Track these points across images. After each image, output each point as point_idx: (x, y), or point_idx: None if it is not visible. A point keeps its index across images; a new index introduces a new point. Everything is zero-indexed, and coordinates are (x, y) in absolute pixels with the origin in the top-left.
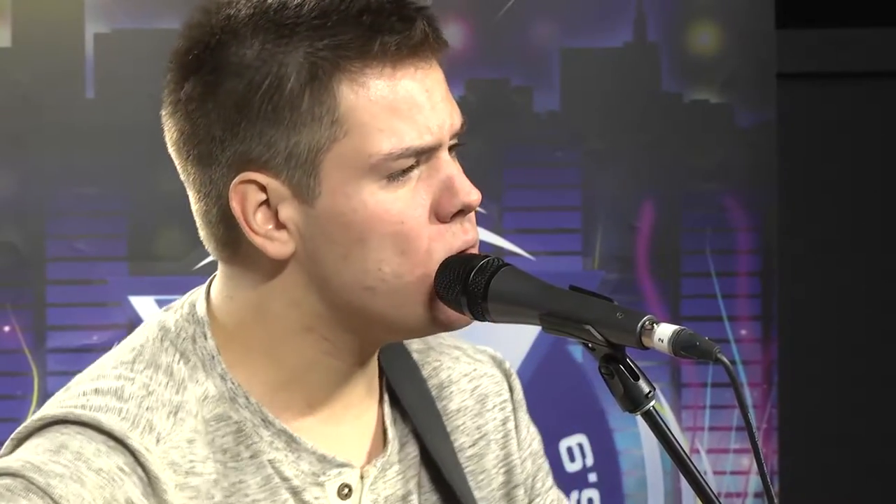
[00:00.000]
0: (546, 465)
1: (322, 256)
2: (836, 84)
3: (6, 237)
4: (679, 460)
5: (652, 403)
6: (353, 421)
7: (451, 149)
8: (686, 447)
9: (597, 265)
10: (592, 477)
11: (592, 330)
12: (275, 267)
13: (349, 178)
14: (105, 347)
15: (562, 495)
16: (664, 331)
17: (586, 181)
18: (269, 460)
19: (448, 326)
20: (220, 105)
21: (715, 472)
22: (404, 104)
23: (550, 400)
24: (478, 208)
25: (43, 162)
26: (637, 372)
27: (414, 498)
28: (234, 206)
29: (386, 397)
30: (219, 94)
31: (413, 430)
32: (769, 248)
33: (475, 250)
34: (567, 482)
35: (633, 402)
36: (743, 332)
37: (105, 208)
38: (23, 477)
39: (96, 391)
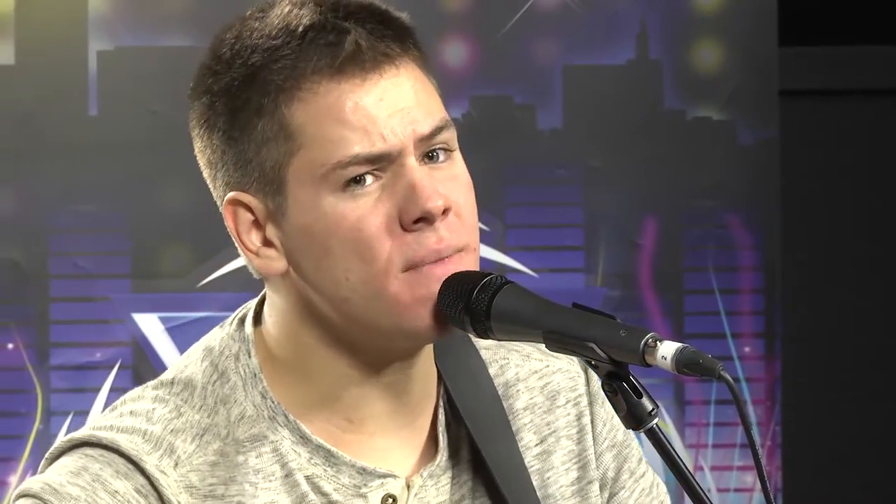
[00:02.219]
0: (634, 453)
1: (303, 270)
2: (839, 101)
3: (9, 254)
4: (682, 478)
5: (655, 421)
6: (400, 431)
7: (432, 155)
8: (690, 465)
9: (600, 282)
10: None
11: (596, 347)
12: (280, 284)
13: (309, 190)
14: (108, 365)
15: (656, 483)
16: (667, 348)
17: (589, 198)
18: (306, 477)
19: (434, 333)
20: (211, 128)
21: (719, 490)
22: (353, 115)
23: None
24: (483, 226)
25: (46, 179)
26: (640, 389)
27: (467, 503)
28: (229, 224)
29: (442, 403)
30: (208, 118)
31: (468, 434)
32: (772, 265)
33: (451, 265)
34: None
35: (637, 419)
36: (746, 349)
37: (108, 225)
38: (40, 499)
39: (132, 413)
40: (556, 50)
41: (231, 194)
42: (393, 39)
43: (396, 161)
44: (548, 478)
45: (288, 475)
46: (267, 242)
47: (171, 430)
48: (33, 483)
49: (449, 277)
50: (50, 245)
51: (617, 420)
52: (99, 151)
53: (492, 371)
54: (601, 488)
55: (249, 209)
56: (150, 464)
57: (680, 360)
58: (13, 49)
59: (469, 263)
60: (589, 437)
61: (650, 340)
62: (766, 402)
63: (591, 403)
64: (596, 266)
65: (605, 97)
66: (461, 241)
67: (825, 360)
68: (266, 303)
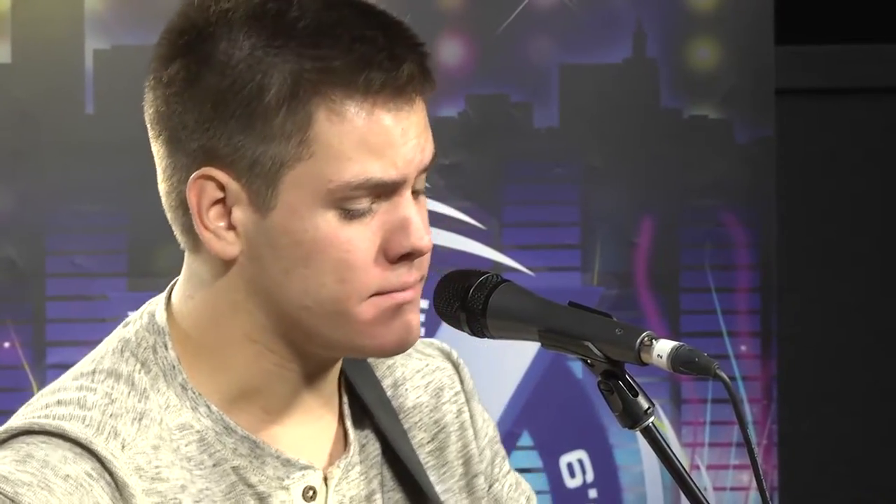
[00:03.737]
0: (502, 451)
1: (265, 266)
2: (835, 100)
3: (6, 253)
4: (679, 476)
5: (651, 419)
6: (314, 424)
7: (415, 193)
8: (686, 463)
9: (596, 281)
10: (592, 493)
11: (591, 346)
12: (222, 267)
13: (306, 199)
14: None
15: (520, 478)
16: (663, 347)
17: (585, 197)
18: (232, 468)
19: (382, 351)
20: (198, 96)
21: (715, 489)
22: (376, 139)
23: (550, 416)
24: (479, 224)
25: (42, 178)
26: (636, 388)
27: (378, 497)
28: (191, 197)
29: (346, 397)
30: (199, 85)
31: (374, 428)
32: (768, 263)
33: (413, 292)
34: (567, 498)
35: (633, 418)
36: (742, 347)
37: (105, 224)
38: None
39: (59, 402)
40: (553, 48)
41: (206, 169)
42: (431, 76)
43: (397, 191)
44: (444, 473)
45: (216, 465)
46: (229, 225)
47: (111, 415)
48: None
49: (445, 276)
50: (46, 244)
51: (488, 416)
52: (96, 150)
53: (378, 373)
54: (484, 480)
55: (221, 188)
56: (99, 445)
57: (676, 358)
58: (9, 48)
59: (420, 290)
60: (470, 432)
61: (646, 339)
62: (762, 401)
63: (468, 399)
64: (592, 265)
65: (602, 96)
66: (424, 271)
67: (821, 359)
68: (186, 286)
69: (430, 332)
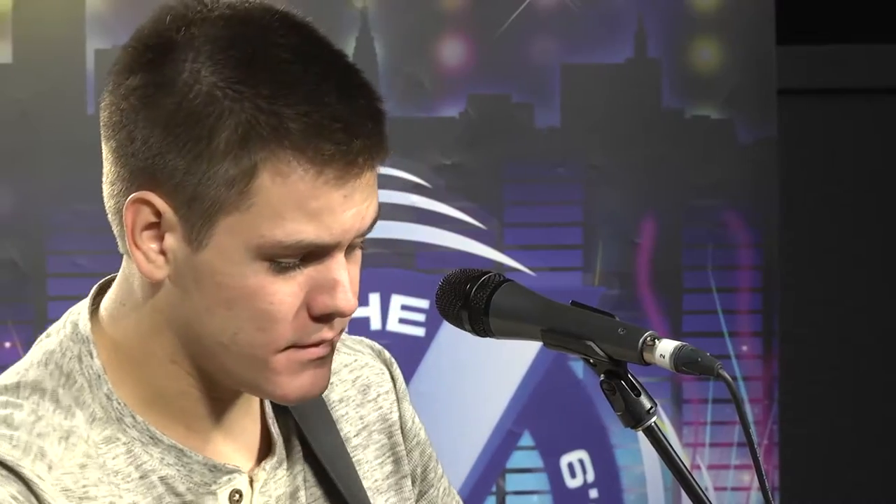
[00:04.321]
0: (434, 454)
1: (188, 298)
2: (837, 100)
3: (7, 253)
4: (680, 476)
5: (653, 419)
6: (236, 431)
7: (352, 246)
8: (687, 463)
9: (597, 281)
10: (593, 493)
11: (594, 346)
12: (150, 288)
13: (238, 247)
14: None
15: (451, 486)
16: (665, 347)
17: (587, 197)
18: (160, 478)
19: (285, 400)
20: (151, 117)
21: (716, 489)
22: (315, 204)
23: (552, 416)
24: (481, 224)
25: (44, 178)
26: (638, 388)
27: (301, 494)
28: (127, 215)
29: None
30: (154, 105)
31: (295, 425)
32: (770, 263)
33: (328, 347)
34: (568, 498)
35: (635, 417)
36: (744, 347)
37: (105, 224)
38: None
39: None
40: (555, 48)
41: (144, 193)
42: (383, 145)
43: (330, 252)
44: (366, 470)
45: (143, 476)
46: (161, 250)
47: (37, 434)
48: None
49: (447, 276)
50: (48, 244)
51: (419, 419)
52: (97, 150)
53: None
54: (413, 483)
55: (157, 213)
56: (26, 468)
57: (678, 358)
58: (11, 47)
59: (336, 342)
60: (398, 433)
61: (648, 339)
62: (763, 401)
63: (398, 400)
64: (594, 265)
65: (604, 96)
66: (344, 327)
67: (823, 359)
68: (121, 286)
69: (431, 331)
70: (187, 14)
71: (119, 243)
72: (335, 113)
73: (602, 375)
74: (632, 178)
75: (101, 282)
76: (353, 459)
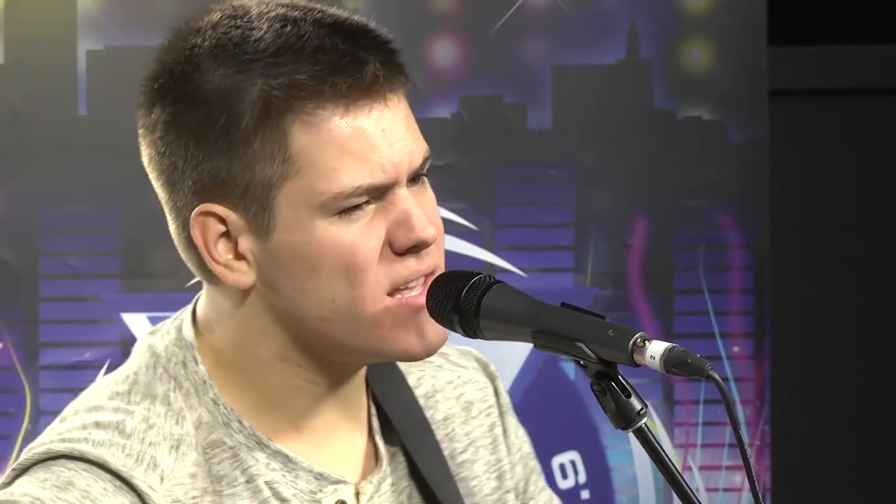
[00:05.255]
0: (538, 467)
1: (279, 288)
2: (829, 101)
3: None
4: (671, 477)
5: (644, 421)
6: (344, 440)
7: (416, 179)
8: (678, 464)
9: (589, 282)
10: (585, 494)
11: (584, 347)
12: (242, 296)
13: (301, 214)
14: (97, 365)
15: (553, 495)
16: (656, 348)
17: (579, 198)
18: (266, 482)
19: (409, 354)
20: (181, 136)
21: (707, 490)
22: (356, 144)
23: (543, 417)
24: (472, 225)
25: (35, 179)
26: (629, 389)
27: None
28: (196, 234)
29: (374, 410)
30: (180, 124)
31: (401, 442)
32: (762, 265)
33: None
34: (559, 499)
35: (626, 419)
36: (735, 349)
37: (98, 225)
38: None
39: (97, 424)
40: (546, 49)
41: (204, 205)
42: (400, 71)
43: (391, 190)
44: (473, 486)
45: (249, 480)
46: (238, 255)
47: (149, 443)
48: (17, 496)
49: (438, 277)
50: (40, 245)
51: (522, 432)
52: (89, 151)
53: (411, 381)
54: (515, 496)
55: (223, 221)
56: (139, 479)
57: (669, 359)
58: (2, 48)
59: None
60: (503, 447)
61: (639, 340)
62: (755, 402)
63: (502, 414)
64: (585, 266)
65: (596, 97)
66: (437, 261)
67: (814, 360)
68: (209, 308)
69: None
70: (181, 37)
71: (199, 275)
72: (339, 50)
73: (593, 377)
74: (623, 179)
75: (200, 293)
76: (460, 476)
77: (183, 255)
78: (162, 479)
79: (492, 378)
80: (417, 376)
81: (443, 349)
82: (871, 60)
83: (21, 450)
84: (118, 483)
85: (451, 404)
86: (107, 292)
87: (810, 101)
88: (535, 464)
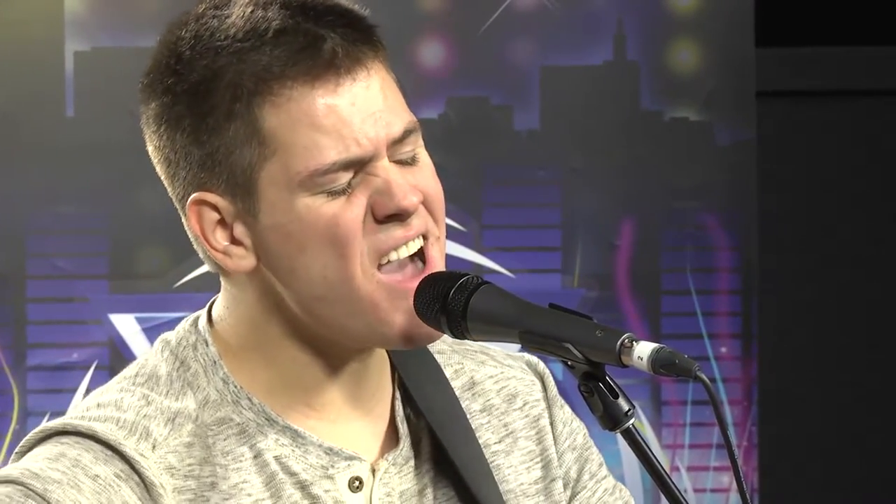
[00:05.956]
0: (595, 457)
1: (275, 270)
2: (816, 102)
3: None
4: (659, 478)
5: (631, 421)
6: (362, 417)
7: (403, 161)
8: (666, 465)
9: (576, 283)
10: None
11: (572, 348)
12: (246, 280)
13: (283, 194)
14: (85, 365)
15: (619, 484)
16: (643, 349)
17: (566, 199)
18: (274, 457)
19: (401, 339)
20: (171, 128)
21: (695, 490)
22: (327, 120)
23: None
24: (460, 226)
25: (23, 180)
26: (616, 390)
27: (429, 492)
28: (193, 224)
29: (398, 394)
30: (169, 117)
31: (428, 427)
32: (749, 265)
33: (430, 249)
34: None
35: (613, 420)
36: (723, 349)
37: (85, 226)
38: (21, 484)
39: (98, 405)
40: (534, 50)
41: (196, 194)
42: (364, 43)
43: (370, 163)
44: (508, 474)
45: (257, 456)
46: (235, 241)
47: (144, 416)
48: (10, 470)
49: (425, 278)
50: (27, 246)
51: (577, 425)
52: (76, 153)
53: (448, 373)
54: (564, 486)
55: (216, 209)
56: (128, 447)
57: (656, 360)
58: None
59: (435, 253)
60: (549, 437)
61: (626, 341)
62: (742, 403)
63: (549, 406)
64: (573, 267)
65: (583, 98)
66: (426, 225)
67: (801, 361)
68: (222, 299)
69: None
70: (169, 31)
71: (210, 267)
72: (301, 29)
73: (580, 378)
74: (611, 181)
75: (215, 296)
76: (494, 464)
77: (194, 246)
78: (154, 446)
79: (541, 375)
80: (455, 369)
81: (489, 350)
82: (858, 62)
83: (9, 450)
84: (109, 452)
85: (490, 396)
86: (94, 293)
87: (797, 102)
88: (590, 454)
